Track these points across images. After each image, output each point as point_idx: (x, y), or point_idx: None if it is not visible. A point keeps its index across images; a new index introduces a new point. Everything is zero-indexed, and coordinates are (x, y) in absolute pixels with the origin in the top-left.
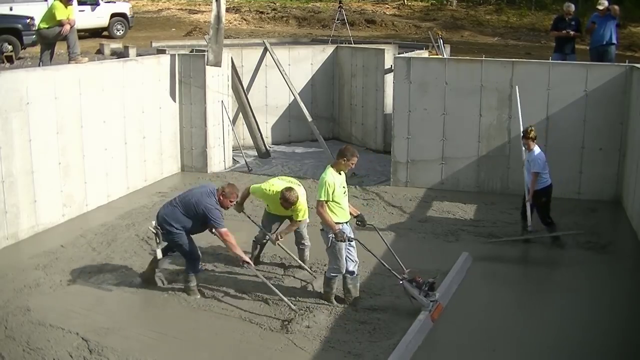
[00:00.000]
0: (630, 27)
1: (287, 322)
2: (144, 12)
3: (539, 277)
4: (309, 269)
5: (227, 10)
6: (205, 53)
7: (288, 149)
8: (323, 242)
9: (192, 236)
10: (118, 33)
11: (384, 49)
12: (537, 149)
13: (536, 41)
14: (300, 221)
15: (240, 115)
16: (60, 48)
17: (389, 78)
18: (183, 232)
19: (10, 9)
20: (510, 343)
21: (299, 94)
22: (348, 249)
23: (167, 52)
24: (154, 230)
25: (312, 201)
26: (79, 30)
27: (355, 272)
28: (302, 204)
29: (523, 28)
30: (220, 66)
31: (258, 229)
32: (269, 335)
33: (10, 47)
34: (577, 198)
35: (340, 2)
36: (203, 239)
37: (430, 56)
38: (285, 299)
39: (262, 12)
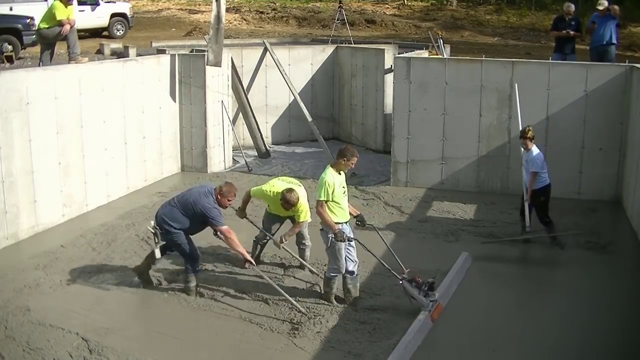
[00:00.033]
0: (630, 27)
1: (296, 325)
2: (144, 12)
3: (539, 277)
4: (314, 269)
5: (227, 10)
6: (205, 53)
7: (288, 149)
8: (323, 242)
9: (192, 236)
10: (118, 33)
11: (384, 49)
12: (535, 149)
13: (536, 41)
14: (302, 222)
15: (240, 115)
16: (60, 48)
17: (389, 78)
18: (182, 231)
19: (10, 9)
20: (510, 343)
21: (299, 94)
22: (348, 249)
23: (167, 52)
24: (152, 230)
25: (312, 201)
26: (79, 30)
27: (355, 272)
28: (303, 205)
29: (523, 28)
30: (220, 66)
31: (267, 230)
32: (269, 335)
33: (10, 47)
34: (577, 198)
35: (340, 2)
36: (203, 239)
37: (430, 56)
38: (292, 300)
39: (262, 12)
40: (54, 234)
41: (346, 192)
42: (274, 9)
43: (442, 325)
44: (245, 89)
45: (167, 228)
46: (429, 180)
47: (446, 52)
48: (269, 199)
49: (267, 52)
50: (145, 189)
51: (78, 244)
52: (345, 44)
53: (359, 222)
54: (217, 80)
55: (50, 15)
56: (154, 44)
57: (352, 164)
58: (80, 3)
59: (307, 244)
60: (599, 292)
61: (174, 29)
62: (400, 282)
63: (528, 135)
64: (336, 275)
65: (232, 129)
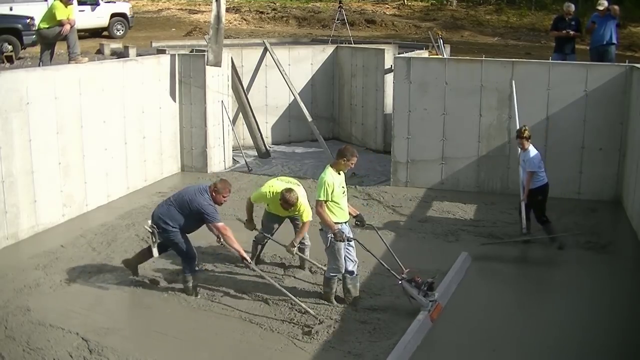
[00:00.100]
0: (630, 27)
1: (307, 328)
2: (144, 12)
3: (538, 277)
4: (320, 265)
5: (227, 10)
6: (205, 53)
7: (288, 149)
8: (322, 242)
9: (191, 237)
10: (118, 33)
11: (384, 49)
12: (532, 149)
13: (536, 41)
14: (307, 222)
15: (240, 115)
16: (60, 48)
17: (389, 78)
18: (178, 230)
19: (10, 9)
20: (510, 343)
21: (299, 94)
22: (347, 249)
23: (167, 52)
24: (149, 229)
25: (312, 201)
26: (79, 30)
27: (355, 272)
28: (304, 204)
29: (523, 28)
30: (220, 66)
31: (260, 230)
32: (269, 335)
33: (10, 47)
34: (577, 198)
35: (340, 2)
36: (203, 239)
37: (430, 56)
38: (296, 299)
39: (262, 12)
40: (54, 234)
41: (346, 192)
42: (274, 9)
43: (442, 325)
44: (245, 89)
45: (164, 226)
46: (429, 180)
47: (446, 52)
48: (269, 199)
49: (267, 52)
50: (145, 189)
51: (78, 244)
52: (345, 44)
53: (359, 222)
54: (217, 80)
55: (50, 15)
56: (154, 44)
57: (351, 164)
58: (80, 3)
59: (306, 243)
60: (599, 292)
61: (174, 29)
62: (400, 282)
63: (524, 135)
64: (336, 275)
65: (232, 129)
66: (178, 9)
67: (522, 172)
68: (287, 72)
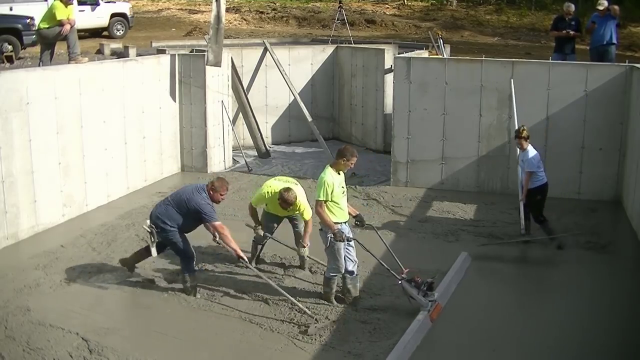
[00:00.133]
0: (630, 27)
1: (304, 327)
2: (144, 12)
3: (538, 277)
4: (321, 262)
5: (227, 10)
6: (205, 53)
7: (288, 149)
8: (322, 242)
9: (190, 236)
10: (118, 33)
11: (384, 49)
12: (531, 149)
13: (536, 41)
14: (310, 220)
15: (240, 115)
16: (60, 48)
17: (389, 78)
18: (177, 229)
19: (10, 9)
20: (510, 343)
21: (299, 94)
22: (347, 248)
23: (167, 52)
24: (148, 229)
25: (312, 201)
26: (79, 30)
27: (355, 272)
28: (303, 203)
29: (523, 28)
30: (220, 66)
31: (266, 231)
32: (269, 335)
33: (10, 47)
34: (577, 198)
35: (340, 2)
36: (203, 239)
37: (430, 56)
38: (292, 298)
39: (262, 12)
40: (54, 234)
41: (345, 192)
42: (274, 9)
43: (442, 325)
44: (245, 89)
45: (163, 226)
46: (429, 180)
47: (446, 52)
48: (267, 199)
49: (267, 52)
50: (145, 189)
51: (78, 244)
52: (345, 44)
53: (358, 222)
54: (217, 80)
55: (50, 15)
56: (154, 44)
57: (351, 164)
58: (80, 3)
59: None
60: (599, 292)
61: (174, 29)
62: (400, 282)
63: (523, 135)
64: (336, 275)
65: (232, 129)
66: (178, 9)
67: (521, 172)
68: (287, 72)
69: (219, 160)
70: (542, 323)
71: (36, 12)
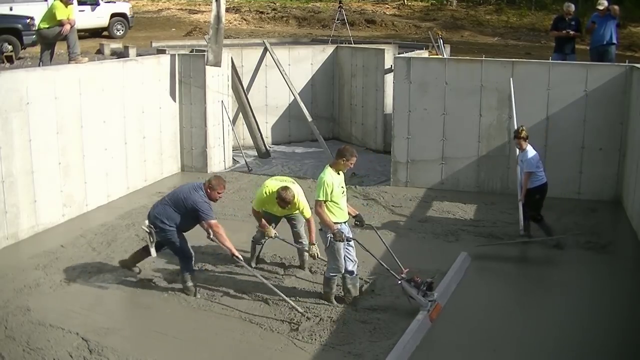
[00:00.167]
0: (630, 27)
1: (295, 325)
2: (144, 12)
3: (538, 277)
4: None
5: (227, 10)
6: (205, 53)
7: (288, 149)
8: (322, 242)
9: (190, 236)
10: (118, 33)
11: (384, 49)
12: (530, 149)
13: (536, 41)
14: (310, 218)
15: (240, 115)
16: (60, 48)
17: (389, 78)
18: (175, 228)
19: (10, 9)
20: (510, 343)
21: (299, 94)
22: (347, 248)
23: (167, 52)
24: (147, 230)
25: (311, 201)
26: (79, 30)
27: (355, 272)
28: (301, 202)
29: (523, 28)
30: (220, 66)
31: (257, 231)
32: (269, 335)
33: (10, 47)
34: (577, 198)
35: (340, 2)
36: (203, 239)
37: (430, 56)
38: (288, 299)
39: (262, 12)
40: (54, 234)
41: (345, 192)
42: (274, 9)
43: (442, 325)
44: (245, 89)
45: (161, 226)
46: (429, 180)
47: (446, 52)
48: (265, 199)
49: (267, 52)
50: (145, 189)
51: (78, 244)
52: (345, 44)
53: (358, 222)
54: (217, 80)
55: (50, 15)
56: (154, 44)
57: (351, 164)
58: (80, 3)
59: (304, 242)
60: (599, 292)
61: (174, 29)
62: (399, 282)
63: (522, 135)
64: (336, 275)
65: (232, 129)
66: (178, 9)
67: (520, 172)
68: (287, 72)
69: (219, 160)
70: (542, 323)
71: (36, 12)
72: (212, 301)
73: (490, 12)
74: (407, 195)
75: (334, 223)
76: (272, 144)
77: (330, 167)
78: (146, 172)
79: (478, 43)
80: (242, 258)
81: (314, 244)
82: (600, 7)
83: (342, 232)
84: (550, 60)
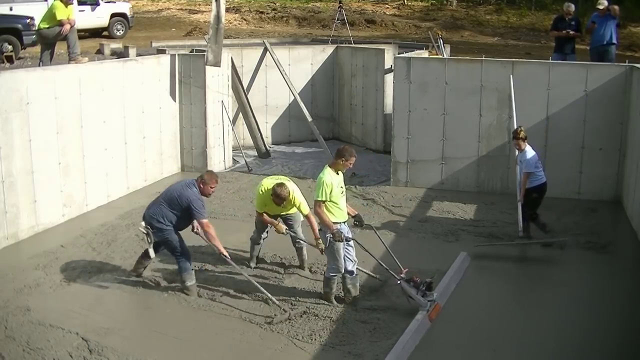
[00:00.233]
0: (630, 27)
1: (269, 318)
2: (144, 12)
3: (538, 277)
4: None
5: (227, 10)
6: (205, 53)
7: (288, 149)
8: (322, 242)
9: (190, 236)
10: (118, 33)
11: (384, 49)
12: (528, 149)
13: (536, 41)
14: (309, 214)
15: (240, 115)
16: (60, 48)
17: (389, 78)
18: (172, 228)
19: (10, 9)
20: (510, 343)
21: (299, 94)
22: (346, 248)
23: (167, 52)
24: (144, 231)
25: (310, 201)
26: (79, 30)
27: (355, 272)
28: (297, 198)
29: (523, 28)
30: (219, 66)
31: (261, 232)
32: (269, 335)
33: (10, 47)
34: (577, 198)
35: (340, 2)
36: (202, 239)
37: (430, 56)
38: (269, 295)
39: (262, 12)
40: (54, 234)
41: (344, 192)
42: (274, 9)
43: (441, 325)
44: (245, 89)
45: (158, 225)
46: (429, 180)
47: (446, 52)
48: (262, 197)
49: (267, 52)
50: (145, 189)
51: (78, 244)
52: (345, 44)
53: (357, 222)
54: (217, 80)
55: (50, 15)
56: (154, 44)
57: (350, 164)
58: (80, 3)
59: (302, 243)
60: (599, 292)
61: (174, 29)
62: (398, 282)
63: (520, 136)
64: (335, 275)
65: (232, 129)
66: (178, 9)
67: (520, 172)
68: (287, 72)
69: (219, 160)
70: (542, 323)
71: (36, 12)
72: (212, 301)
73: (490, 12)
74: (407, 195)
75: (334, 223)
76: (272, 144)
77: (330, 167)
78: (146, 172)
79: (478, 43)
80: (229, 257)
81: (319, 238)
82: (600, 7)
83: (342, 232)
84: (550, 60)
